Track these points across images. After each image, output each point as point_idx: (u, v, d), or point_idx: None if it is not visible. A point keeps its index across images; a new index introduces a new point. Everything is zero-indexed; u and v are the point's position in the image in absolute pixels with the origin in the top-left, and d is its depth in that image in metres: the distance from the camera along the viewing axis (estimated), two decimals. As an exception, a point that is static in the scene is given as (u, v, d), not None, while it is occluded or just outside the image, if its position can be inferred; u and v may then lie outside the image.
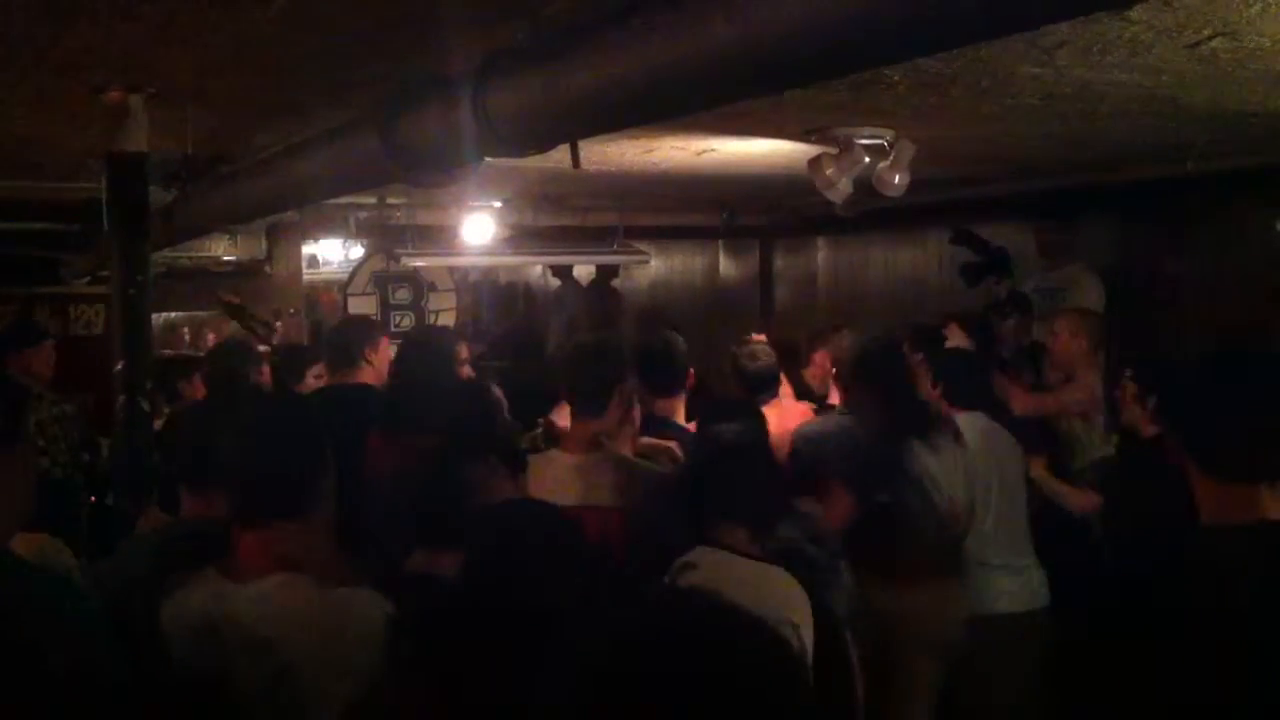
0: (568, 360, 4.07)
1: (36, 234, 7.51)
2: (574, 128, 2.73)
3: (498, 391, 3.85)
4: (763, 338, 5.23)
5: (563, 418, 4.42)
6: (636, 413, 3.96)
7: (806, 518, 3.45)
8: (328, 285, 10.13)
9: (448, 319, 8.84)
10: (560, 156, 3.54)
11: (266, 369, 5.27)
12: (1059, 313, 5.96)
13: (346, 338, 5.03)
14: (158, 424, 4.86)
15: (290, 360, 5.79)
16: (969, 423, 4.60)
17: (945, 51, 2.75)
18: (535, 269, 11.36)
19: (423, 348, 4.71)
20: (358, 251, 9.35)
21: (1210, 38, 3.28)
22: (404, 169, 3.25)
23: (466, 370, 4.80)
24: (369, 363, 4.89)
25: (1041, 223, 7.02)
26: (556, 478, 3.49)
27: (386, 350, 5.16)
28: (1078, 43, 3.34)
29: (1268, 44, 3.35)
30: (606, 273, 10.25)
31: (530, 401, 4.84)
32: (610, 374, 3.76)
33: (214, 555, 2.50)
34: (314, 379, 5.48)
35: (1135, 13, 2.99)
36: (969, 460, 4.41)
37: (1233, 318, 6.23)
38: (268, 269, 8.72)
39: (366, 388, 4.76)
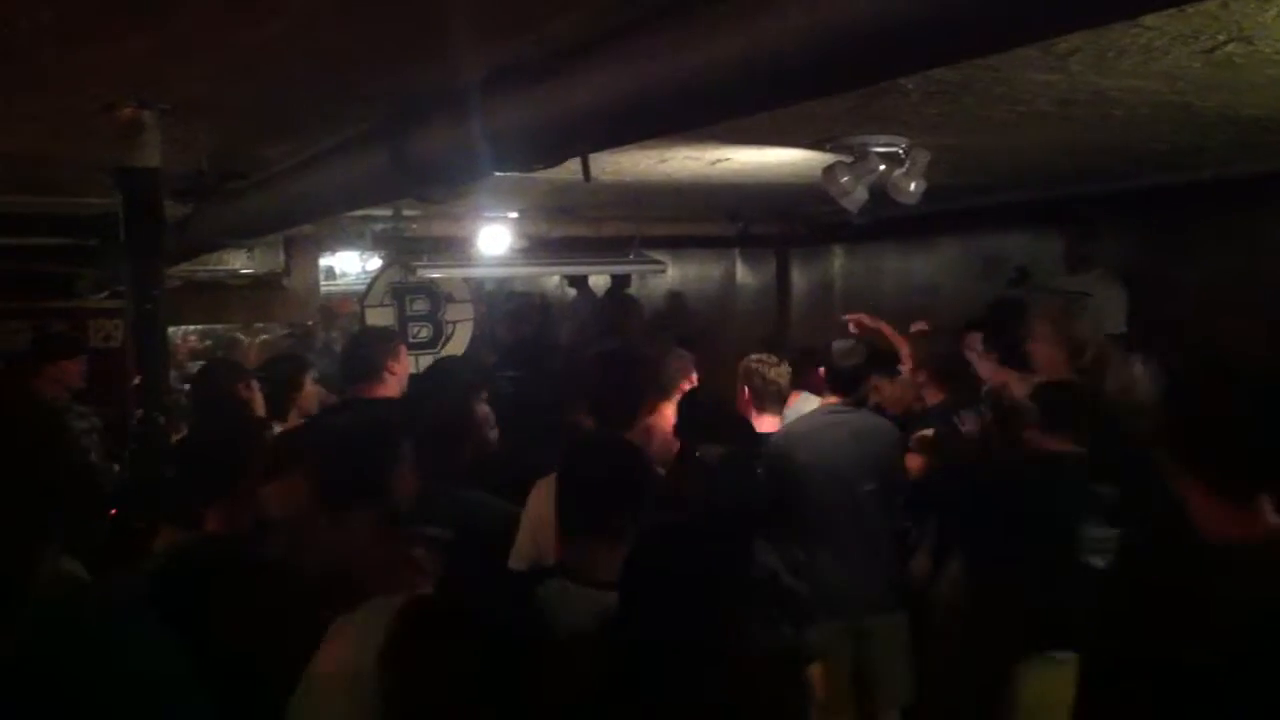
0: (595, 373, 4.09)
1: (53, 249, 7.53)
2: (582, 142, 2.72)
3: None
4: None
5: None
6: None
7: (787, 549, 3.38)
8: (345, 297, 10.15)
9: (465, 330, 8.84)
10: (573, 168, 3.53)
11: (255, 383, 5.21)
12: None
13: (369, 349, 4.98)
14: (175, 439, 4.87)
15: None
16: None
17: (955, 62, 2.72)
18: (552, 279, 11.35)
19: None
20: (375, 263, 9.36)
21: (1225, 43, 3.25)
22: (413, 184, 3.24)
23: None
24: (392, 374, 4.87)
25: (1061, 229, 6.99)
26: None
27: (406, 361, 5.15)
28: (1091, 49, 3.31)
29: (1283, 49, 3.33)
30: (620, 282, 10.24)
31: (541, 411, 4.86)
32: (637, 386, 3.78)
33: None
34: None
35: (1149, 19, 2.97)
36: None
37: (1255, 325, 6.18)
38: (285, 282, 8.73)
39: (392, 401, 4.75)
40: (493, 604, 2.73)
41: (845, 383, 5.20)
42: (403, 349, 5.07)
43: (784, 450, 4.81)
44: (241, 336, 10.66)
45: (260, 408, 5.09)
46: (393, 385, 4.84)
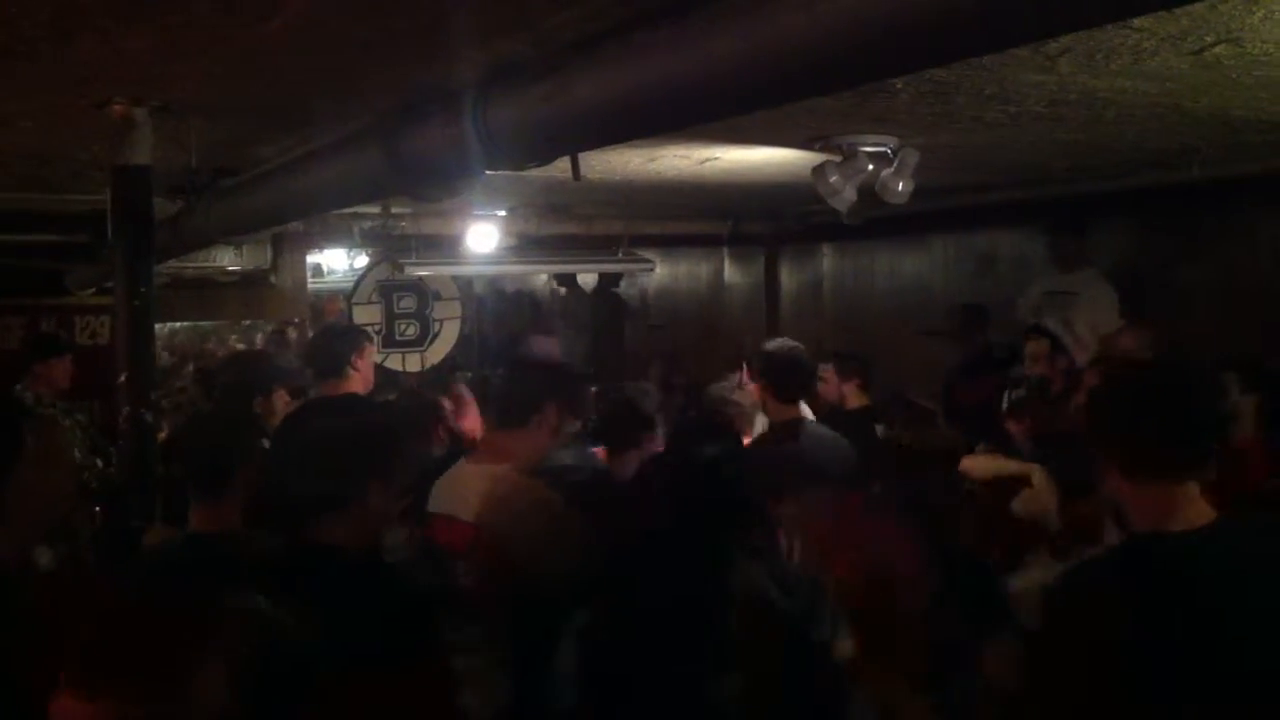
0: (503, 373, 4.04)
1: (42, 245, 7.51)
2: (575, 141, 2.73)
3: None
4: None
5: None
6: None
7: (775, 558, 2.96)
8: (333, 295, 10.13)
9: (452, 328, 8.84)
10: (563, 166, 3.54)
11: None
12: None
13: (334, 346, 4.93)
14: (162, 436, 4.83)
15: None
16: None
17: (947, 64, 2.73)
18: (540, 278, 11.36)
19: None
20: (363, 261, 9.35)
21: (1213, 44, 3.27)
22: (406, 182, 3.24)
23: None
24: (356, 370, 4.84)
25: (1052, 230, 7.02)
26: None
27: (371, 357, 5.11)
28: (1081, 50, 3.33)
29: (1271, 50, 3.35)
30: (608, 280, 10.24)
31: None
32: (537, 389, 3.57)
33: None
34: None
35: (1139, 20, 2.99)
36: None
37: (1244, 325, 6.21)
38: (273, 279, 8.70)
39: (358, 398, 4.71)
40: None
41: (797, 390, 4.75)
42: (368, 345, 5.03)
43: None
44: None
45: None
46: (357, 381, 4.80)
